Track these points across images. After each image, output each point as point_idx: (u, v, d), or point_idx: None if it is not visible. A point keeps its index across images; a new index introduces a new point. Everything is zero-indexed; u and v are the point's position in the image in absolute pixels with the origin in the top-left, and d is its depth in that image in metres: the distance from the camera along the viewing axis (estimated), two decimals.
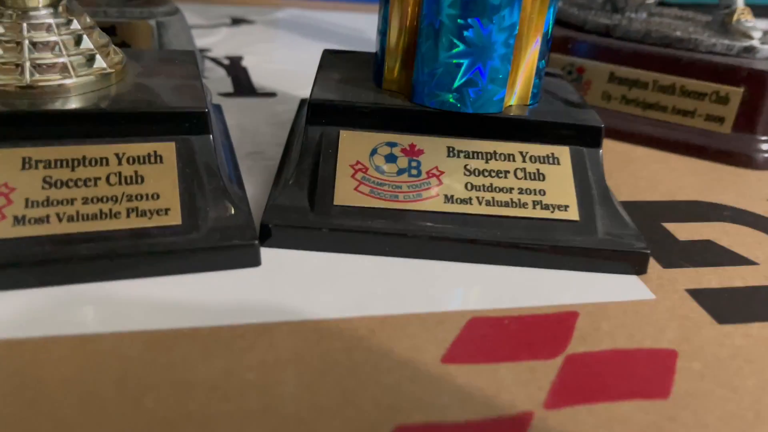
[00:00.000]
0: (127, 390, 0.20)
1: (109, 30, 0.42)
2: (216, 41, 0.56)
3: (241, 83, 0.47)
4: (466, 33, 0.28)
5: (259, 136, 0.38)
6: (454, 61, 0.29)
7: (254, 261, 0.27)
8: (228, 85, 0.47)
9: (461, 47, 0.29)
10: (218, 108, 0.39)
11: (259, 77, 0.49)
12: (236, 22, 0.63)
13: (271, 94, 0.46)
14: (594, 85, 0.44)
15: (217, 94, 0.44)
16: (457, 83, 0.29)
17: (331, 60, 0.36)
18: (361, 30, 0.65)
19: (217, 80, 0.47)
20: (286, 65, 0.52)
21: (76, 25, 0.28)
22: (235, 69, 0.50)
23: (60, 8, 0.28)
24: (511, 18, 0.28)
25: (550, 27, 0.31)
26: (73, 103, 0.27)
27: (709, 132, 0.41)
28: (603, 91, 0.44)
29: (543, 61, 0.31)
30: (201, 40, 0.55)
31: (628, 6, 0.44)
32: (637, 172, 0.39)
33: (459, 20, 0.28)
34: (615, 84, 0.43)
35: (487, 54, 0.29)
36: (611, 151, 0.41)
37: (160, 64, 0.32)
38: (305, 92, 0.46)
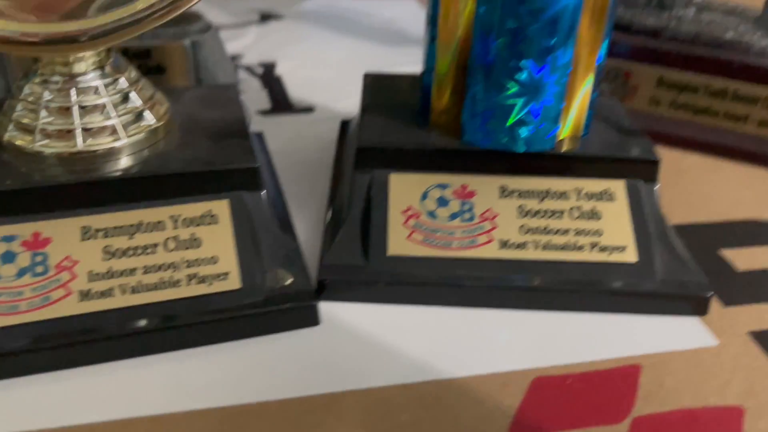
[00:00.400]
0: None
1: (144, 54, 0.42)
2: (246, 44, 0.55)
3: (277, 97, 0.47)
4: (518, 75, 0.28)
5: (303, 163, 0.38)
6: (507, 102, 0.28)
7: (313, 321, 0.27)
8: (264, 100, 0.46)
9: (514, 89, 0.28)
10: (260, 137, 0.39)
11: (294, 88, 0.48)
12: (264, 18, 0.62)
13: (309, 109, 0.45)
14: (641, 90, 0.42)
15: (256, 113, 0.44)
16: (509, 123, 0.29)
17: (373, 89, 0.35)
18: (392, 20, 0.64)
19: (252, 93, 0.47)
20: (321, 70, 0.51)
21: (123, 83, 0.28)
22: (270, 79, 0.49)
23: (107, 68, 0.27)
24: (565, 57, 0.27)
25: (604, 59, 0.30)
26: (124, 164, 0.27)
27: (762, 138, 0.40)
28: (651, 96, 0.42)
29: (596, 92, 0.30)
30: (231, 45, 0.54)
31: (676, 1, 0.42)
32: (689, 186, 0.38)
33: (511, 62, 0.27)
34: (663, 89, 0.42)
35: (541, 94, 0.28)
36: (661, 160, 0.40)
37: (202, 106, 0.32)
38: (343, 105, 0.46)
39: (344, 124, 0.40)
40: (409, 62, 0.53)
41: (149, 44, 0.42)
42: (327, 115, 0.44)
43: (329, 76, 0.50)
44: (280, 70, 0.51)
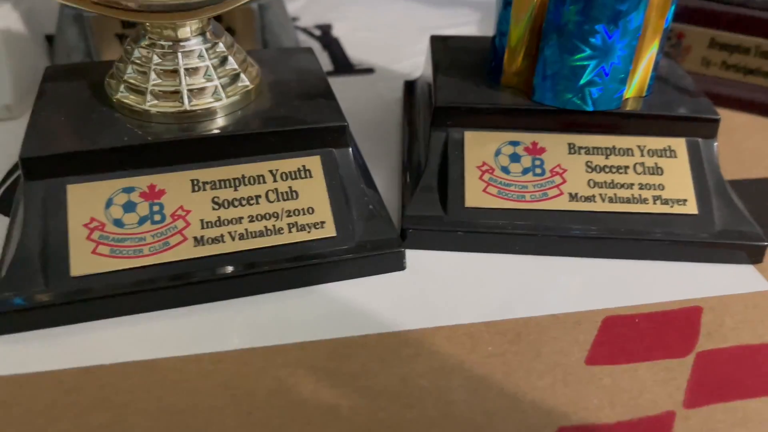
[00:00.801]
0: (322, 399, 0.24)
1: (215, 17, 0.44)
2: (301, 6, 0.57)
3: (338, 59, 0.49)
4: (591, 38, 0.29)
5: (370, 122, 0.40)
6: (579, 63, 0.30)
7: (400, 266, 0.30)
8: (326, 62, 0.48)
9: (587, 51, 0.30)
10: None
11: (353, 49, 0.50)
12: None
13: (370, 70, 0.47)
14: (694, 51, 0.44)
15: None
16: (580, 83, 0.31)
17: (441, 51, 0.37)
18: None
19: None
20: (376, 31, 0.53)
21: (221, 47, 0.30)
22: (328, 41, 0.51)
23: (207, 34, 0.30)
24: (636, 21, 0.29)
25: (671, 21, 0.31)
26: (222, 123, 0.29)
27: None
28: (702, 57, 0.44)
29: (660, 54, 0.32)
30: (288, 7, 0.56)
31: None
32: (741, 144, 0.40)
33: (585, 26, 0.29)
34: (716, 50, 0.43)
35: (611, 56, 0.30)
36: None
37: (285, 69, 0.34)
38: (402, 66, 0.48)
39: (408, 85, 0.42)
40: (461, 23, 0.54)
41: None
42: (387, 75, 0.46)
43: (385, 37, 0.52)
44: (337, 32, 0.53)
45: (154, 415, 0.23)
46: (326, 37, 0.52)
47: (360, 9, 0.57)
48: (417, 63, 0.46)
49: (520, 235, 0.30)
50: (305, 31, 0.53)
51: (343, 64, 0.48)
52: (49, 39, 0.47)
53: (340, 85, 0.45)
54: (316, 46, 0.50)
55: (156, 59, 0.29)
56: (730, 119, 0.42)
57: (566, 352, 0.26)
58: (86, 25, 0.43)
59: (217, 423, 0.23)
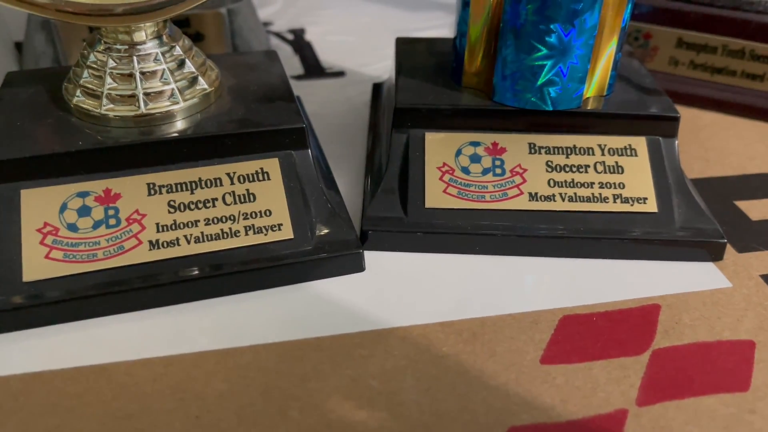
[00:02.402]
0: (273, 402, 0.24)
1: (184, 22, 0.44)
2: (276, 11, 0.57)
3: (309, 62, 0.49)
4: (547, 38, 0.29)
5: (338, 125, 0.40)
6: (536, 63, 0.30)
7: (359, 267, 0.30)
8: (297, 65, 0.48)
9: (543, 51, 0.30)
10: (299, 100, 0.41)
11: (325, 53, 0.50)
12: None
13: (340, 74, 0.47)
14: (661, 51, 0.44)
15: (291, 78, 0.46)
16: (538, 83, 0.31)
17: (406, 53, 0.37)
18: None
19: (285, 59, 0.49)
20: (349, 35, 0.53)
21: (178, 50, 0.30)
22: (301, 45, 0.51)
23: (164, 37, 0.30)
24: (592, 20, 0.29)
25: (628, 21, 0.31)
26: (181, 126, 0.29)
27: None
28: (670, 57, 0.44)
29: (620, 53, 0.32)
30: (261, 12, 0.56)
31: None
32: (707, 142, 0.40)
33: (541, 26, 0.29)
34: (683, 49, 0.43)
35: (568, 56, 0.30)
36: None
37: (247, 72, 0.34)
38: (372, 69, 0.48)
39: (376, 87, 0.42)
40: (434, 26, 0.55)
41: (188, 13, 0.44)
42: (358, 78, 0.46)
43: (357, 41, 0.52)
44: (309, 36, 0.53)
45: (100, 419, 0.23)
46: (299, 41, 0.52)
47: (334, 13, 0.57)
48: (388, 66, 0.46)
49: (479, 235, 0.30)
50: (278, 35, 0.53)
51: (314, 68, 0.48)
52: (19, 46, 0.47)
53: (309, 88, 0.45)
54: (288, 50, 0.50)
55: (111, 63, 0.29)
56: (697, 118, 0.42)
57: (521, 352, 0.26)
58: (53, 31, 0.43)
59: (164, 427, 0.23)
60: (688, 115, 0.43)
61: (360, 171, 0.36)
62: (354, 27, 0.55)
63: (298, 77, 0.47)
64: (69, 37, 0.43)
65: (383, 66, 0.47)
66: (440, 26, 0.54)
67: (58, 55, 0.44)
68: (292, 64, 0.48)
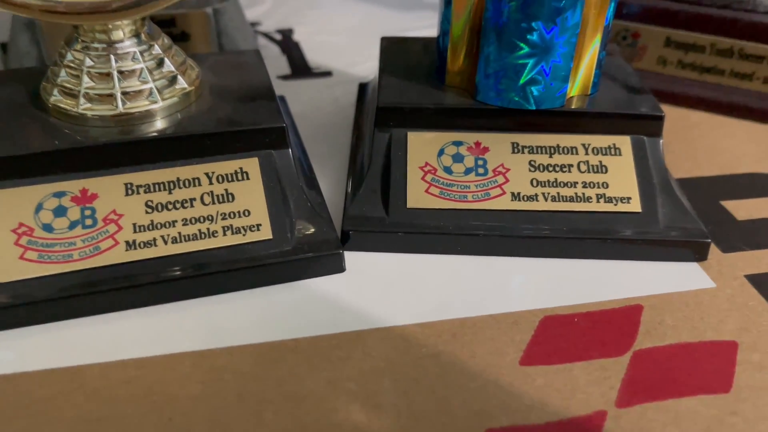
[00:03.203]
0: (248, 405, 0.23)
1: (169, 22, 0.43)
2: (264, 12, 0.57)
3: (296, 62, 0.48)
4: (529, 36, 0.29)
5: (323, 125, 0.40)
6: (518, 62, 0.30)
7: (339, 268, 0.29)
8: (284, 65, 0.48)
9: (525, 49, 0.29)
10: (283, 100, 0.41)
11: (312, 53, 0.50)
12: None
13: (327, 74, 0.47)
14: (650, 50, 0.44)
15: (276, 77, 0.46)
16: (521, 82, 0.30)
17: (390, 51, 0.37)
18: None
19: (272, 59, 0.49)
20: (337, 36, 0.53)
21: (157, 49, 0.30)
22: (288, 45, 0.51)
23: (142, 36, 0.29)
24: (574, 18, 0.29)
25: (611, 19, 0.31)
26: (160, 126, 0.29)
27: (766, 95, 0.41)
28: (659, 56, 0.43)
29: (603, 52, 0.32)
30: (249, 12, 0.56)
31: None
32: (695, 141, 0.39)
33: (523, 24, 0.29)
34: (671, 48, 0.43)
35: (551, 53, 0.30)
36: (668, 117, 0.41)
37: (229, 71, 0.34)
38: (359, 69, 0.48)
39: (362, 87, 0.42)
40: (423, 26, 0.54)
41: (173, 12, 0.44)
42: (344, 78, 0.46)
43: (345, 41, 0.52)
44: (298, 36, 0.53)
45: (69, 423, 0.22)
46: (286, 41, 0.51)
47: (322, 13, 0.57)
48: (376, 66, 0.46)
49: (461, 235, 0.30)
50: (266, 35, 0.53)
51: (301, 68, 0.47)
52: (4, 47, 0.47)
53: (296, 88, 0.45)
54: (276, 50, 0.50)
55: (89, 62, 0.29)
56: (686, 117, 0.42)
57: (501, 353, 0.26)
58: (38, 32, 0.43)
59: (135, 430, 0.22)
60: (676, 114, 0.43)
61: (343, 171, 0.36)
62: (343, 27, 0.55)
63: (285, 77, 0.46)
64: (53, 38, 0.43)
65: (371, 66, 0.47)
66: (430, 26, 0.54)
67: (43, 56, 0.43)
68: (279, 64, 0.48)
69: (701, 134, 0.40)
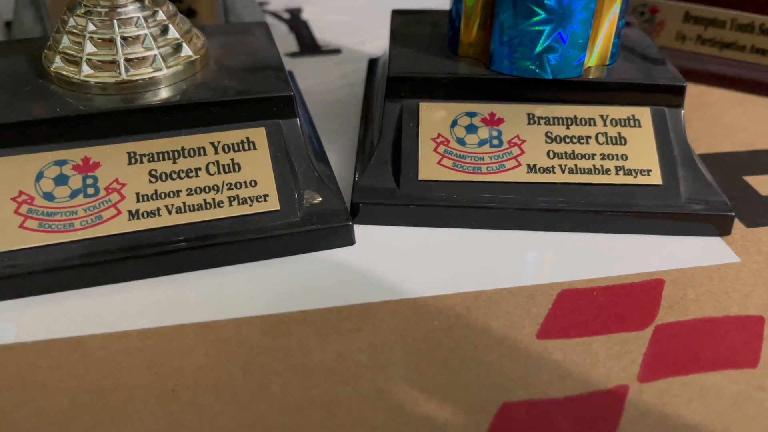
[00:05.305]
0: (254, 377, 0.22)
1: None
2: None
3: (305, 40, 0.47)
4: (546, 1, 0.28)
5: (333, 102, 0.39)
6: (535, 28, 0.29)
7: (349, 240, 0.28)
8: (292, 43, 0.47)
9: (542, 15, 0.28)
10: (291, 75, 0.40)
11: (321, 31, 0.49)
12: None
13: (336, 51, 0.46)
14: (668, 26, 0.42)
15: (285, 55, 0.45)
16: (537, 50, 0.29)
17: (401, 23, 0.36)
18: None
19: (281, 37, 0.48)
20: (346, 15, 0.52)
21: (161, 15, 0.29)
22: (297, 24, 0.50)
23: (146, 1, 0.28)
24: None
25: None
26: (165, 94, 0.28)
27: None
28: (677, 32, 0.42)
29: (623, 20, 0.31)
30: None
31: None
32: (715, 119, 0.38)
33: None
34: (690, 23, 0.42)
35: (568, 20, 0.28)
36: (687, 94, 0.40)
37: (236, 42, 0.33)
38: (369, 47, 0.47)
39: (372, 63, 0.41)
40: (435, 5, 0.53)
41: None
42: (354, 56, 0.45)
43: (354, 20, 0.51)
44: (306, 15, 0.52)
45: (70, 394, 0.22)
46: (295, 20, 0.51)
47: None
48: (385, 45, 0.45)
49: (475, 208, 0.29)
50: (274, 14, 0.52)
51: (310, 45, 0.46)
52: (8, 25, 0.46)
53: (304, 65, 0.44)
54: (284, 29, 0.49)
55: (91, 27, 0.28)
56: (705, 94, 0.41)
57: (517, 326, 0.25)
58: (42, 8, 0.42)
59: (137, 401, 0.21)
60: (695, 91, 0.41)
61: (353, 148, 0.35)
62: (352, 7, 0.53)
63: (293, 54, 0.45)
64: (57, 14, 0.42)
65: (381, 44, 0.46)
66: (441, 5, 0.53)
67: (47, 32, 0.42)
68: (287, 42, 0.47)
69: (721, 112, 0.39)
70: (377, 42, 0.47)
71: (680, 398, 0.22)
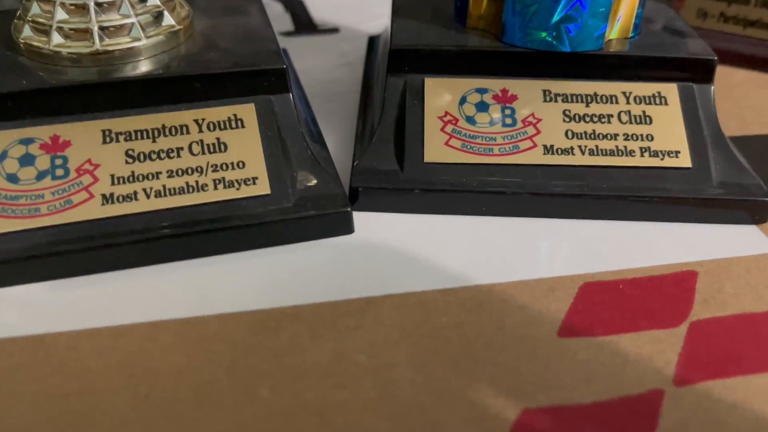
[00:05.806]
0: (240, 379, 0.20)
1: None
2: None
3: (301, 19, 0.45)
4: None
5: (330, 82, 0.36)
6: None
7: (347, 228, 0.26)
8: (288, 23, 0.44)
9: None
10: (285, 53, 0.37)
11: (318, 11, 0.46)
12: None
13: (334, 30, 0.43)
14: (689, 2, 0.40)
15: (279, 34, 0.42)
16: (554, 20, 0.27)
17: None
18: None
19: (275, 17, 0.45)
20: None
21: None
22: (292, 2, 0.47)
23: None
24: None
25: None
26: (145, 67, 0.26)
27: None
28: (698, 8, 0.40)
29: None
30: None
31: None
32: (742, 101, 0.36)
33: None
34: (712, 0, 0.39)
35: None
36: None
37: (225, 14, 0.30)
38: (369, 26, 0.44)
39: (372, 40, 0.38)
40: None
41: None
42: (352, 35, 0.42)
43: (352, 1, 0.48)
44: None
45: (32, 398, 0.19)
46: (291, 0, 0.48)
47: None
48: (385, 24, 0.42)
49: (487, 193, 0.26)
50: None
51: (306, 25, 0.44)
52: None
53: (301, 44, 0.41)
54: (279, 8, 0.46)
55: None
56: (730, 75, 0.38)
57: (536, 323, 0.22)
58: None
59: (106, 407, 0.19)
60: (719, 72, 0.38)
61: (352, 130, 0.32)
62: None
63: (288, 33, 0.43)
64: None
65: (381, 23, 0.43)
66: None
67: None
68: (282, 21, 0.44)
69: (747, 93, 0.37)
70: (376, 21, 0.44)
71: (724, 404, 0.19)
